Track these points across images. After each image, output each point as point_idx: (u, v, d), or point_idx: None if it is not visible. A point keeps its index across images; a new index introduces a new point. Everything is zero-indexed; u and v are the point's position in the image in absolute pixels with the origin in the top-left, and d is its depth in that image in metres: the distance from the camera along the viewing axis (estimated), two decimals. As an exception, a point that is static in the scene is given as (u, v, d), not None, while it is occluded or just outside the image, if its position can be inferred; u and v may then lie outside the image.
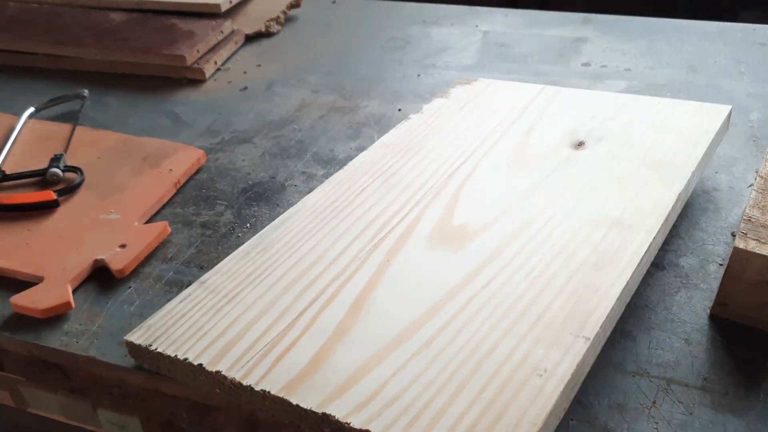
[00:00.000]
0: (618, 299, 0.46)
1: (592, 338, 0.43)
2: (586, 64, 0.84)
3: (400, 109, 0.76)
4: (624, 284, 0.47)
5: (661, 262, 0.54)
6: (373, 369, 0.43)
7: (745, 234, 0.48)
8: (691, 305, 0.50)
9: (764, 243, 0.47)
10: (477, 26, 0.96)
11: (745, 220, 0.49)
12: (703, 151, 0.60)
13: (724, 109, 0.65)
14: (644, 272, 0.52)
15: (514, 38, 0.92)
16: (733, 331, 0.49)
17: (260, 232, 0.56)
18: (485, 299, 0.47)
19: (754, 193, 0.51)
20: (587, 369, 0.44)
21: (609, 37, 0.91)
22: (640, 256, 0.49)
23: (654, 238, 0.51)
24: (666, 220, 0.53)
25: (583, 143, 0.63)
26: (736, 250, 0.47)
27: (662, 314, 0.50)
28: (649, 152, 0.60)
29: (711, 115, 0.64)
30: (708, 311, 0.50)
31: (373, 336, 0.45)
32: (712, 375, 0.45)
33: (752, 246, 0.47)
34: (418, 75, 0.84)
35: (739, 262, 0.47)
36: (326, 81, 0.85)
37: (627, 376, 0.45)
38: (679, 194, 0.55)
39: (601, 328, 0.44)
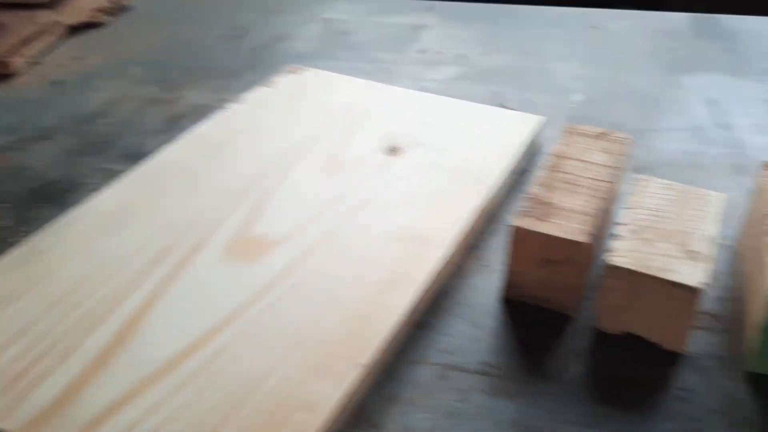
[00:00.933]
0: (401, 321, 0.44)
1: (369, 365, 0.41)
2: (422, 51, 0.83)
3: (223, 99, 0.72)
4: (411, 305, 0.45)
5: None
6: (126, 406, 0.38)
7: (525, 212, 0.47)
8: (484, 288, 0.49)
9: (542, 220, 0.46)
10: (320, 14, 0.93)
11: (526, 197, 0.48)
12: (510, 163, 0.59)
13: (539, 120, 0.64)
14: (443, 281, 0.49)
15: (356, 26, 0.90)
16: (521, 312, 0.47)
17: (31, 239, 0.50)
18: (267, 321, 0.44)
19: (541, 171, 0.51)
20: (364, 390, 0.41)
21: (450, 24, 0.90)
22: (433, 276, 0.47)
23: (449, 253, 0.49)
24: (467, 233, 0.51)
25: (398, 149, 0.61)
26: (513, 228, 0.46)
27: (456, 299, 0.48)
28: (461, 162, 0.59)
29: (525, 125, 0.63)
30: (499, 294, 0.49)
31: (133, 368, 0.40)
32: (493, 359, 0.44)
33: (529, 223, 0.46)
34: (250, 64, 0.80)
35: (519, 240, 0.46)
36: (149, 73, 0.79)
37: (408, 365, 0.43)
38: (483, 207, 0.54)
39: (377, 353, 0.41)
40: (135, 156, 0.63)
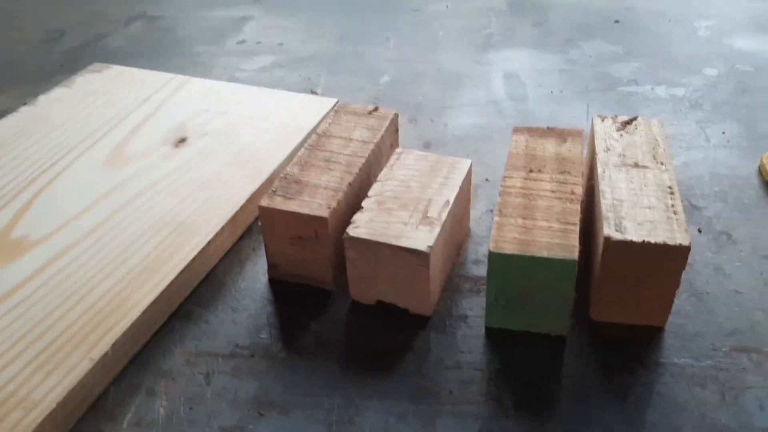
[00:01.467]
0: (148, 310, 0.44)
1: (98, 359, 0.40)
2: (242, 42, 0.82)
3: (25, 103, 0.70)
4: (159, 295, 0.45)
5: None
6: None
7: (275, 191, 0.48)
8: (253, 272, 0.50)
9: (290, 198, 0.47)
10: (146, 11, 0.92)
11: (280, 177, 0.49)
12: (292, 147, 0.59)
13: (331, 101, 0.65)
14: (208, 268, 0.50)
15: (180, 21, 0.89)
16: (285, 291, 0.48)
17: None
18: (7, 323, 0.43)
19: (303, 150, 0.52)
20: (107, 378, 0.41)
21: (274, 15, 0.90)
22: (192, 263, 0.47)
23: (210, 241, 0.49)
24: (233, 219, 0.52)
25: (186, 139, 0.61)
26: (260, 209, 0.47)
27: (223, 284, 0.48)
28: (244, 148, 0.59)
29: (318, 109, 0.64)
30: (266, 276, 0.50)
31: None
32: (246, 341, 0.44)
33: (277, 202, 0.46)
34: (61, 65, 0.79)
35: (268, 220, 0.47)
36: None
37: (158, 353, 0.43)
38: (257, 191, 0.55)
39: (114, 346, 0.41)
40: None
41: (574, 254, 0.40)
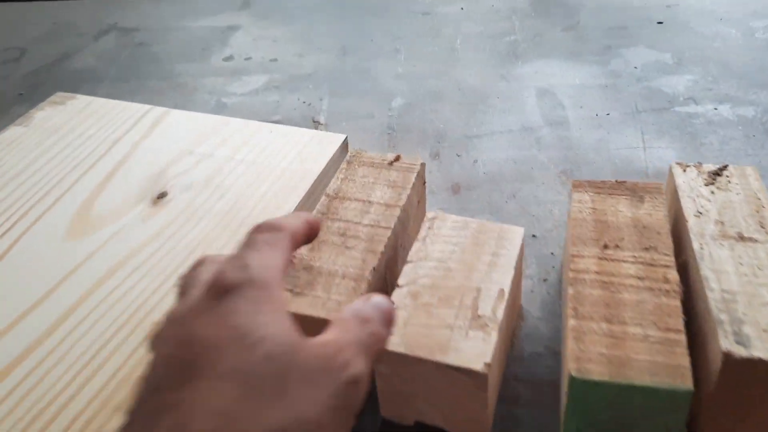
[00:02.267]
0: None
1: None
2: (229, 58, 0.71)
3: (-24, 146, 0.59)
4: None
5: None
6: None
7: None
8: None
9: (300, 294, 0.36)
10: (117, 23, 0.81)
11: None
12: (293, 204, 0.48)
13: (338, 138, 0.54)
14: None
15: (158, 34, 0.77)
16: None
17: None
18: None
19: (312, 220, 0.41)
20: None
21: (264, 22, 0.79)
22: None
23: None
24: None
25: (165, 194, 0.50)
26: None
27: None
28: (236, 205, 0.48)
29: (323, 149, 0.53)
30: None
31: None
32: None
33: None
34: (20, 93, 0.68)
35: None
36: None
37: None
38: None
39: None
40: None
41: (688, 380, 0.30)
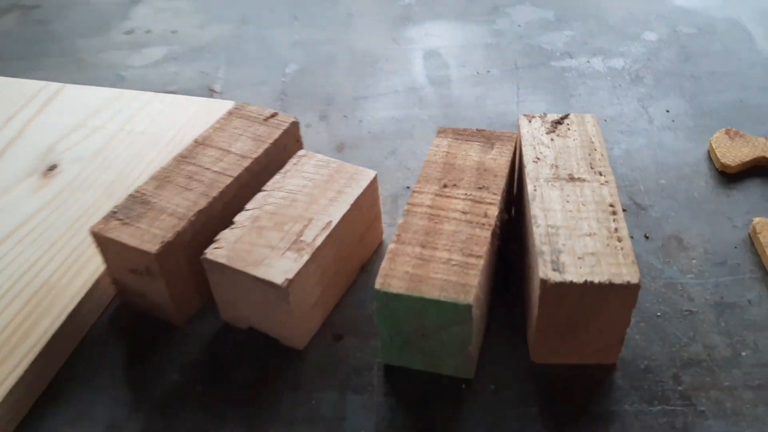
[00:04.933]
0: (8, 397, 0.36)
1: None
2: (130, 32, 0.72)
3: None
4: (16, 381, 0.37)
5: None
6: None
7: (115, 213, 0.40)
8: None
9: (126, 224, 0.40)
10: (18, 2, 0.80)
11: (129, 195, 0.41)
12: None
13: (228, 104, 0.56)
14: (83, 332, 0.42)
15: (57, 12, 0.77)
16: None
17: None
18: None
19: (171, 160, 0.44)
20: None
21: (167, -7, 0.80)
22: (48, 340, 0.39)
23: (80, 302, 0.41)
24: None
25: (56, 166, 0.52)
26: (92, 234, 0.40)
27: (107, 350, 0.41)
28: (122, 174, 0.50)
29: (214, 116, 0.52)
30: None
31: None
32: (122, 421, 0.37)
33: (110, 228, 0.40)
34: None
35: (102, 246, 0.41)
36: None
37: None
38: None
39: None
40: None
41: (470, 296, 0.34)
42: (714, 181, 0.50)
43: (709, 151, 0.52)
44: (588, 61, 0.63)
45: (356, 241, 0.43)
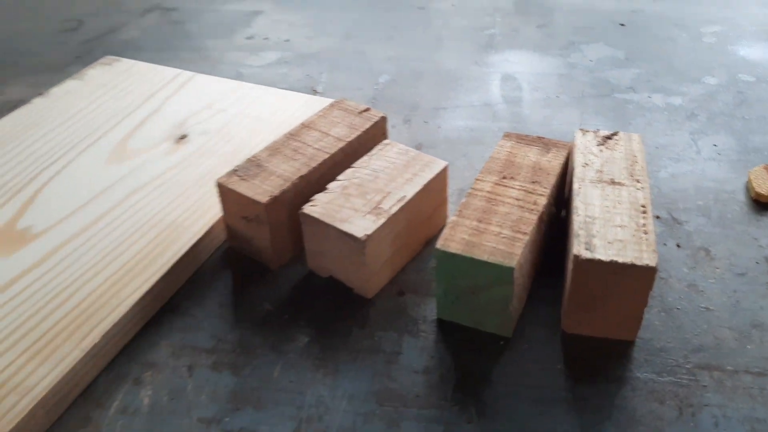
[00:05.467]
0: (137, 305, 0.46)
1: (88, 350, 0.43)
2: (250, 37, 0.84)
3: (41, 93, 0.72)
4: (146, 292, 0.47)
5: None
6: None
7: (236, 171, 0.51)
8: (243, 268, 0.52)
9: (244, 180, 0.50)
10: (160, 3, 0.94)
11: (247, 159, 0.52)
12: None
13: (327, 101, 0.67)
14: (200, 260, 0.52)
15: (193, 14, 0.91)
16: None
17: None
18: (7, 311, 0.46)
19: (282, 137, 0.54)
20: (94, 371, 0.44)
21: (284, 9, 0.92)
22: (175, 262, 0.50)
23: (198, 240, 0.51)
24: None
25: (186, 136, 0.63)
26: (217, 185, 0.50)
27: (205, 281, 0.51)
28: (239, 147, 0.61)
29: (315, 109, 0.64)
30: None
31: None
32: (224, 335, 0.46)
33: (232, 181, 0.50)
34: (77, 56, 0.81)
35: (222, 195, 0.51)
36: (-28, 69, 0.80)
37: (147, 345, 0.46)
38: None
39: (104, 338, 0.44)
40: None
41: (513, 262, 0.42)
42: (747, 207, 0.56)
43: (747, 183, 0.58)
44: (649, 97, 0.69)
45: (424, 219, 0.52)
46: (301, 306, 0.49)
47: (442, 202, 0.54)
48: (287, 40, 0.83)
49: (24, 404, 0.39)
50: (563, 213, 0.54)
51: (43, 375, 0.41)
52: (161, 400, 0.43)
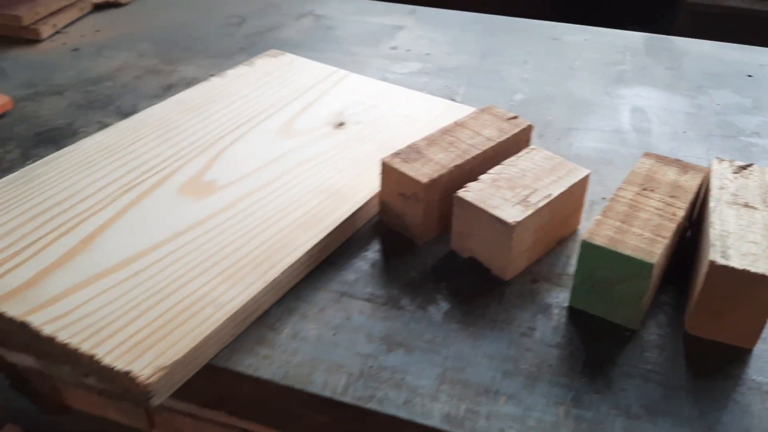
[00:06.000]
0: (308, 253, 0.54)
1: (270, 281, 0.51)
2: (394, 48, 0.92)
3: (212, 75, 0.82)
4: (317, 242, 0.54)
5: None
6: (79, 291, 0.49)
7: (398, 154, 0.57)
8: (393, 236, 0.59)
9: (406, 162, 0.56)
10: (313, 10, 1.04)
11: (408, 145, 0.59)
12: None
13: (468, 109, 0.74)
14: (356, 228, 0.60)
15: (342, 23, 1.00)
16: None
17: (29, 167, 0.62)
18: (200, 243, 0.54)
19: (437, 131, 0.61)
20: (271, 299, 0.51)
21: (425, 26, 1.00)
22: (339, 222, 0.57)
23: (360, 208, 0.59)
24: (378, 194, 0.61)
25: (343, 124, 0.71)
26: (382, 163, 0.57)
27: (362, 243, 0.58)
28: (391, 138, 0.68)
29: (453, 114, 0.72)
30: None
31: (91, 264, 0.51)
32: (378, 291, 0.53)
33: (395, 162, 0.56)
34: (242, 47, 0.91)
35: (385, 174, 0.57)
36: (154, 48, 0.91)
37: (311, 289, 0.53)
38: None
39: (282, 274, 0.52)
40: (128, 113, 0.74)
41: (653, 259, 0.47)
42: None
43: None
44: (774, 142, 0.73)
45: (562, 219, 0.57)
46: (444, 277, 0.55)
47: (579, 207, 0.59)
48: (428, 54, 0.91)
49: (218, 316, 0.47)
50: (688, 233, 0.58)
51: (233, 296, 0.49)
52: (326, 334, 0.49)
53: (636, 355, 0.48)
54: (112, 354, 0.44)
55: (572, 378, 0.47)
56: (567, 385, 0.46)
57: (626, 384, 0.46)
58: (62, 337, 0.45)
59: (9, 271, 0.50)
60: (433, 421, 0.44)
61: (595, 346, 0.49)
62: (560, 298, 0.53)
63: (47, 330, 0.45)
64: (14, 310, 0.47)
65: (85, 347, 0.44)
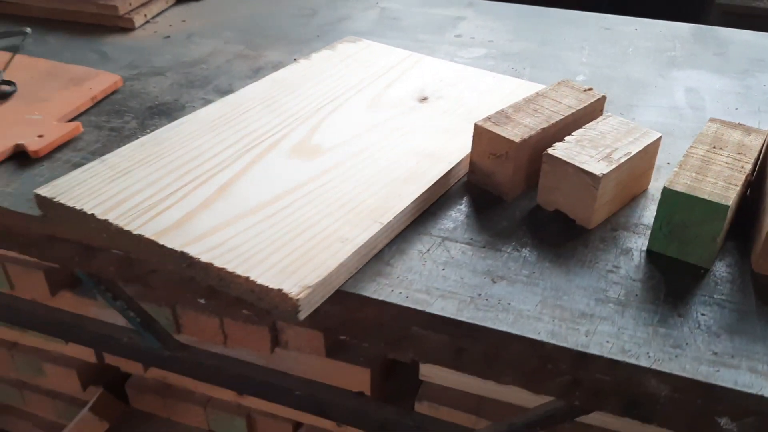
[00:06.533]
0: (414, 202, 0.61)
1: (385, 224, 0.58)
2: (459, 36, 0.99)
3: (295, 59, 0.90)
4: (420, 193, 0.62)
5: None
6: (224, 229, 0.57)
7: (489, 118, 0.64)
8: (466, 186, 0.67)
9: (497, 125, 0.64)
10: (378, 3, 1.11)
11: (497, 111, 0.66)
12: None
13: (535, 87, 0.80)
14: (449, 186, 0.67)
15: (406, 14, 1.07)
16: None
17: (156, 131, 0.70)
18: (320, 193, 0.62)
19: (521, 100, 0.68)
20: (384, 240, 0.59)
21: (484, 17, 1.07)
22: (438, 178, 0.64)
23: (453, 167, 0.66)
24: (467, 156, 0.68)
25: (427, 98, 0.79)
26: (475, 126, 0.64)
27: (454, 197, 0.65)
28: (473, 111, 0.75)
29: (525, 90, 0.78)
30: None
31: (229, 209, 0.59)
32: (476, 236, 0.60)
33: (488, 125, 0.64)
34: (317, 35, 0.99)
35: (477, 136, 0.64)
36: (238, 36, 0.99)
37: (417, 234, 0.60)
38: None
39: (394, 218, 0.59)
40: (226, 92, 0.82)
41: (728, 201, 0.53)
42: None
43: None
44: (821, 117, 0.79)
45: (636, 176, 0.64)
46: (533, 227, 0.62)
47: (651, 166, 0.66)
48: (491, 41, 0.98)
49: (346, 249, 0.54)
50: (748, 192, 0.64)
51: (356, 234, 0.56)
52: (435, 269, 0.56)
53: (711, 288, 0.55)
54: (264, 276, 0.51)
55: (657, 305, 0.53)
56: (653, 311, 0.53)
57: (705, 309, 0.53)
58: (218, 263, 0.52)
59: (159, 213, 0.58)
60: (540, 336, 0.51)
61: (674, 281, 0.56)
62: (639, 243, 0.60)
63: (204, 258, 0.53)
64: (172, 243, 0.54)
65: (240, 271, 0.52)
